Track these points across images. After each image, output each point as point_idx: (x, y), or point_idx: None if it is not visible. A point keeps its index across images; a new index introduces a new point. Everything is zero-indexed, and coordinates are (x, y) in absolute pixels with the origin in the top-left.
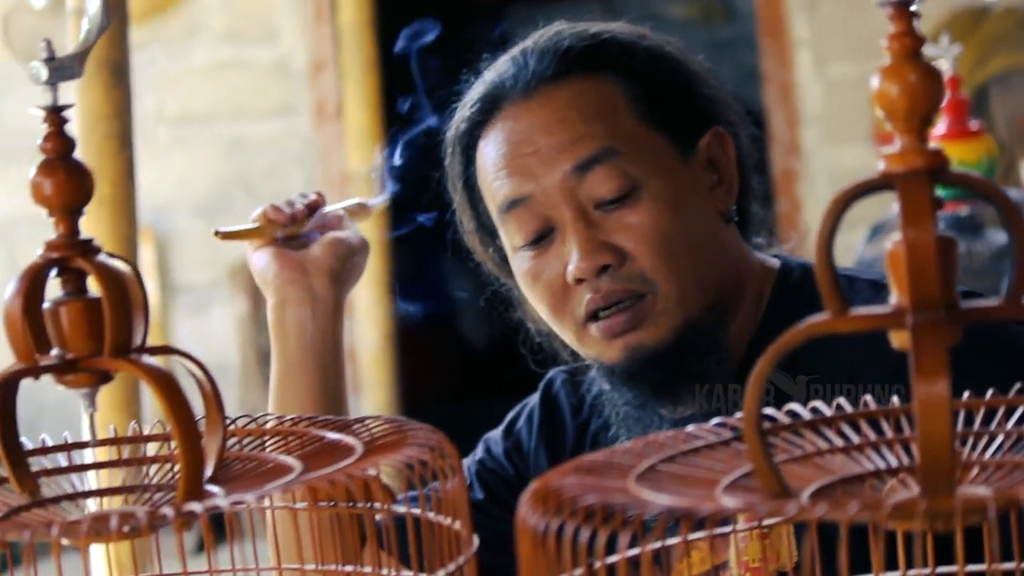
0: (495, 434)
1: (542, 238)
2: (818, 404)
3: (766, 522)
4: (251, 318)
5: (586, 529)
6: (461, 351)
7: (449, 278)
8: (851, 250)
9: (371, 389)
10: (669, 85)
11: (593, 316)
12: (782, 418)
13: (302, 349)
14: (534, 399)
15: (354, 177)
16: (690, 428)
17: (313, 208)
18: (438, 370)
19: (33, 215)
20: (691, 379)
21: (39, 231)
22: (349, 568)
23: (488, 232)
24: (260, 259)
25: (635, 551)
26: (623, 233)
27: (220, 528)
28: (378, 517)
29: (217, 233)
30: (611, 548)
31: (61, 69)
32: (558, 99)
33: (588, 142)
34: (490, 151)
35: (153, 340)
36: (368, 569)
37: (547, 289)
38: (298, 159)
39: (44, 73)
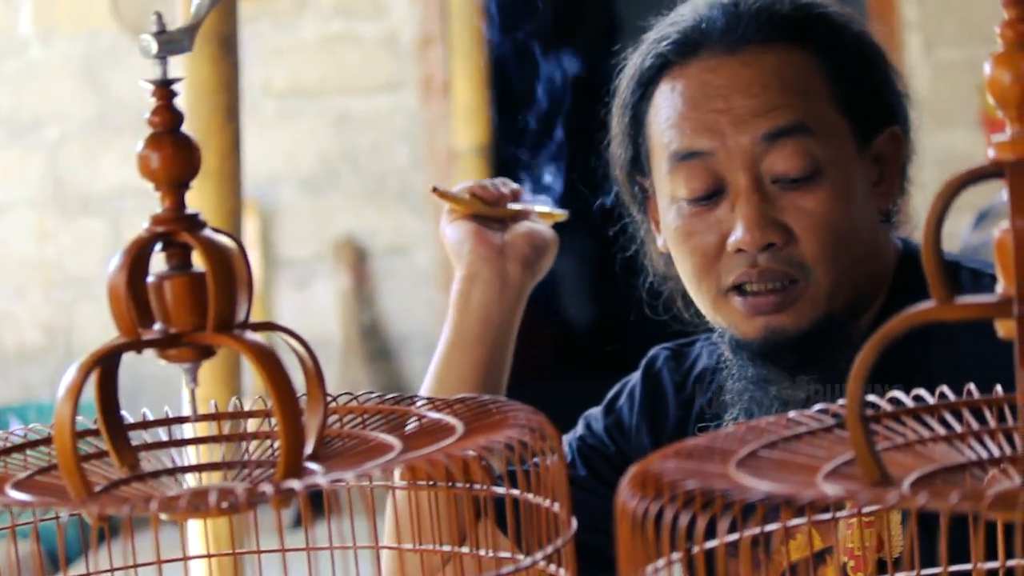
0: (596, 411)
1: (708, 198)
2: (921, 392)
3: (872, 509)
4: (353, 293)
5: (685, 514)
6: (561, 329)
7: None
8: (956, 237)
9: None
10: (868, 74)
11: (739, 288)
12: (884, 405)
13: (482, 325)
14: (636, 376)
15: (460, 154)
16: (792, 414)
17: (513, 197)
18: (537, 348)
19: (139, 187)
20: (819, 368)
21: (144, 203)
22: (447, 548)
23: (639, 168)
24: (457, 230)
25: (735, 536)
26: (795, 215)
27: (319, 505)
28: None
29: (434, 190)
30: (711, 534)
31: (171, 43)
32: (762, 63)
33: (785, 112)
34: (677, 96)
35: (256, 314)
36: (466, 550)
37: (698, 249)
38: (404, 135)
39: (154, 47)
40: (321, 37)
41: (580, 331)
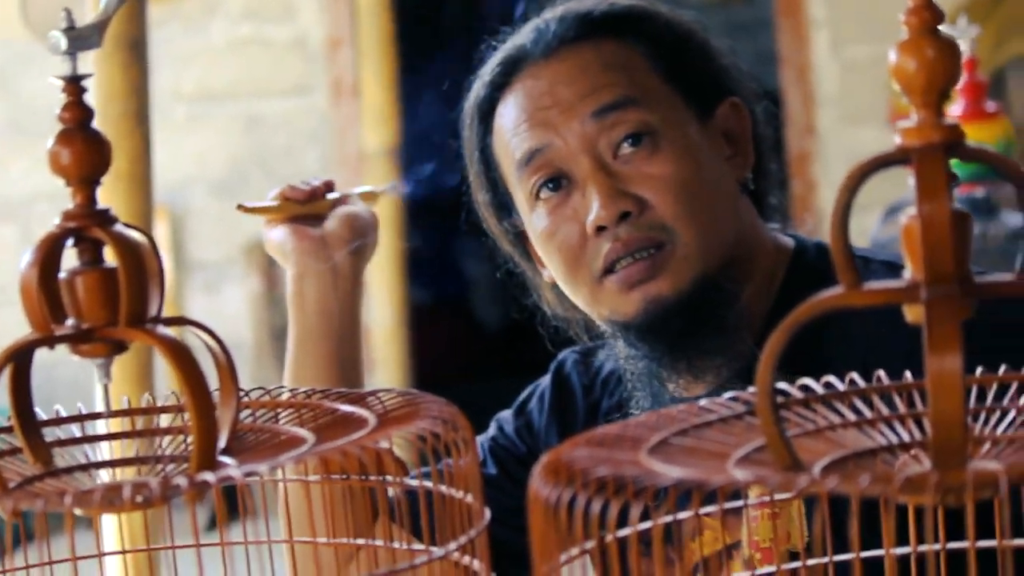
0: (506, 413)
1: (559, 185)
2: (831, 379)
3: (777, 499)
4: (264, 296)
5: (597, 501)
6: (474, 330)
7: (462, 258)
8: (865, 234)
9: (384, 368)
10: (688, 52)
11: (610, 269)
12: (795, 392)
13: (321, 318)
14: (545, 380)
15: (370, 155)
16: (703, 402)
17: (326, 189)
18: (451, 349)
19: (51, 192)
20: (706, 335)
21: (56, 208)
22: (360, 541)
23: (503, 206)
24: (277, 234)
25: (647, 524)
26: (643, 182)
27: (233, 504)
28: (390, 490)
29: (240, 207)
30: (623, 521)
31: (80, 39)
32: (579, 56)
33: (609, 90)
34: (509, 111)
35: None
36: (380, 542)
37: (564, 244)
38: (315, 137)
39: (63, 43)
40: (231, 40)
41: (491, 332)
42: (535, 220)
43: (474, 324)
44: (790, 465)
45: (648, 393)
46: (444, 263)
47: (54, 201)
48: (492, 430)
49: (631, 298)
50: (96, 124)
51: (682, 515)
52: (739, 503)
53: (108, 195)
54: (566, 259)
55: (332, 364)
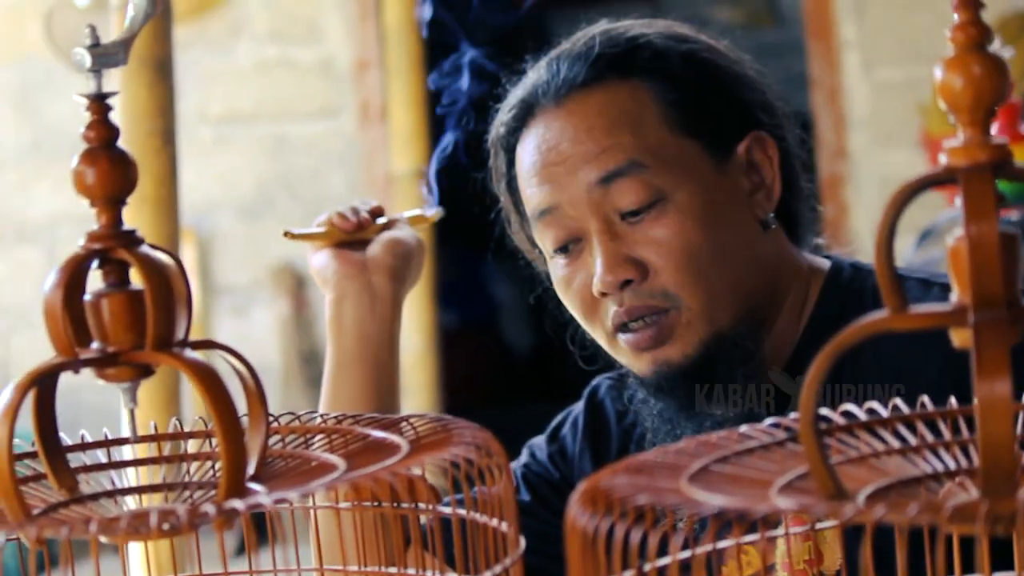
0: (539, 440)
1: (569, 247)
2: (874, 404)
3: (818, 526)
4: (293, 320)
5: (637, 531)
6: (504, 356)
7: (493, 283)
8: (900, 257)
9: (413, 393)
10: (705, 90)
11: (622, 327)
12: (837, 419)
13: (359, 343)
14: (578, 406)
15: (398, 179)
16: (744, 428)
17: (375, 214)
18: (481, 375)
19: (75, 215)
20: (723, 390)
21: (80, 230)
22: (392, 570)
23: (531, 233)
24: (320, 259)
25: (686, 554)
26: (647, 246)
27: (262, 530)
28: (423, 518)
29: (286, 234)
30: (663, 550)
31: (105, 56)
32: (587, 107)
33: (614, 154)
34: (525, 158)
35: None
36: (412, 571)
37: (578, 297)
38: (342, 160)
39: (88, 60)
40: (257, 63)
41: (521, 357)
42: (553, 268)
43: (504, 348)
44: (834, 493)
45: (667, 429)
46: (473, 287)
47: (78, 224)
48: (525, 456)
49: (642, 360)
50: (121, 144)
51: (723, 544)
52: (779, 532)
53: (134, 217)
54: (581, 312)
55: (369, 389)
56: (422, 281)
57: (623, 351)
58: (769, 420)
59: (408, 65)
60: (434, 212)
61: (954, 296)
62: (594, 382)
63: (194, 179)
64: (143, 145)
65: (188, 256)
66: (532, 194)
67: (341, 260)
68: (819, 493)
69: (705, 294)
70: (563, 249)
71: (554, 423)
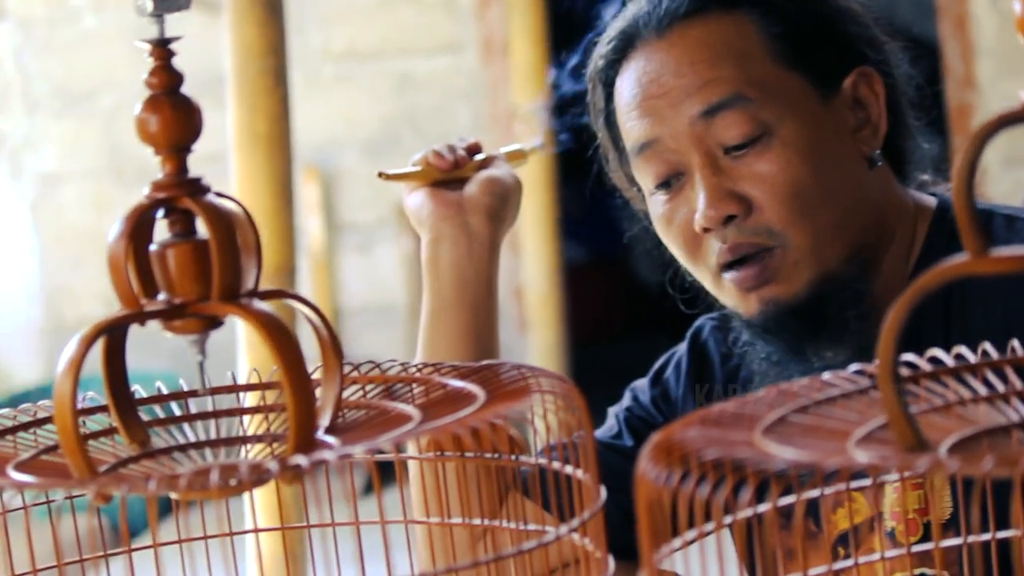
0: (642, 382)
1: (671, 182)
2: (963, 350)
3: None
4: (418, 257)
5: (706, 485)
6: (629, 289)
7: (617, 216)
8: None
9: (538, 328)
10: (810, 23)
11: (727, 266)
12: (923, 364)
13: (456, 287)
14: (681, 347)
15: (520, 114)
16: (826, 376)
17: (472, 152)
18: (606, 309)
19: (197, 155)
20: (833, 332)
21: (202, 170)
22: (477, 522)
23: (630, 169)
24: (415, 199)
25: (763, 507)
26: (751, 182)
27: (389, 471)
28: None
29: (380, 174)
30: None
31: (167, 1)
32: (690, 39)
33: (718, 86)
34: (624, 91)
35: (319, 280)
36: (497, 523)
37: (680, 235)
38: (465, 96)
39: (149, 5)
40: None
41: (646, 290)
42: (653, 205)
43: (628, 282)
44: (914, 444)
45: (775, 372)
46: (600, 220)
47: (200, 164)
48: (627, 400)
49: (749, 299)
50: (233, 84)
51: (809, 495)
52: (867, 481)
53: (246, 156)
54: (684, 250)
55: (467, 333)
56: (545, 216)
57: (729, 290)
58: (854, 366)
59: (529, 0)
60: (532, 147)
61: None
62: (697, 323)
63: (317, 117)
64: (254, 84)
65: (312, 194)
66: (632, 128)
67: (437, 200)
68: (898, 444)
69: (811, 232)
70: (664, 184)
71: (657, 365)
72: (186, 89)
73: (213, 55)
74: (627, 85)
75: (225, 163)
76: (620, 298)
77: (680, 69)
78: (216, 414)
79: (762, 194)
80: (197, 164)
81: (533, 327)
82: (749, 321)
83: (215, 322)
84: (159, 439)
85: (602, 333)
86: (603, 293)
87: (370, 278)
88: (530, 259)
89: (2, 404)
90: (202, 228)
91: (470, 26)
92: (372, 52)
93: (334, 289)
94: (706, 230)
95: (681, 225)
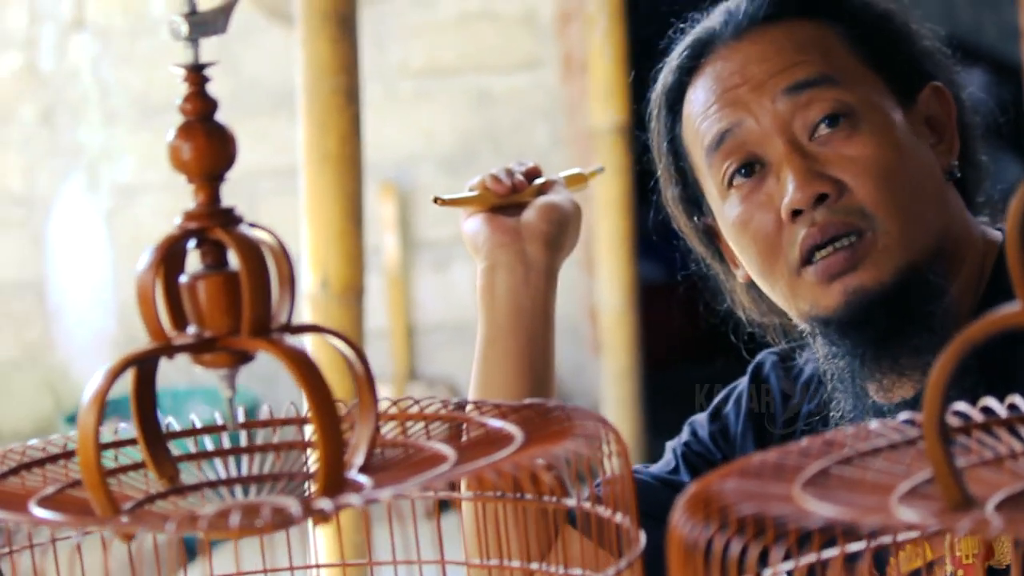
0: (701, 417)
1: (750, 170)
2: (1017, 400)
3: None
4: None
5: (738, 542)
6: (706, 311)
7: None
8: None
9: (612, 350)
10: (886, 34)
11: (808, 259)
12: (975, 415)
13: (512, 315)
14: (742, 382)
15: (599, 132)
16: (874, 424)
17: (531, 176)
18: (681, 330)
19: (274, 169)
20: (915, 330)
21: (279, 184)
22: (516, 564)
23: (693, 201)
24: (472, 225)
25: (788, 565)
26: (841, 164)
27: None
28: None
29: (436, 200)
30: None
31: (203, 24)
32: (770, 36)
33: (803, 67)
34: (699, 95)
35: (395, 298)
36: (535, 566)
37: (758, 234)
38: (544, 113)
39: (184, 28)
40: (459, 15)
41: (721, 313)
42: (727, 209)
43: (705, 303)
44: (960, 501)
45: (850, 395)
46: (675, 240)
47: (277, 178)
48: (685, 435)
49: (831, 291)
50: (304, 103)
51: (854, 547)
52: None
53: (316, 176)
54: (762, 250)
55: (522, 363)
56: (622, 235)
57: (808, 287)
58: (903, 415)
59: (610, 16)
60: (592, 170)
61: None
62: (758, 357)
63: (395, 133)
64: (327, 102)
65: (388, 211)
66: (709, 125)
67: (494, 227)
68: (944, 501)
69: (904, 216)
70: (743, 171)
71: (716, 400)
72: (260, 102)
73: (289, 69)
74: (703, 88)
75: (297, 178)
76: (696, 320)
77: (764, 56)
78: (250, 449)
79: (853, 177)
80: (281, 179)
81: (607, 349)
82: (828, 319)
83: (245, 357)
84: (189, 474)
85: (677, 355)
86: (678, 314)
87: (446, 296)
88: (605, 279)
89: (75, 416)
90: (234, 260)
91: (550, 43)
92: (451, 68)
93: (409, 307)
94: (796, 213)
95: (760, 224)
